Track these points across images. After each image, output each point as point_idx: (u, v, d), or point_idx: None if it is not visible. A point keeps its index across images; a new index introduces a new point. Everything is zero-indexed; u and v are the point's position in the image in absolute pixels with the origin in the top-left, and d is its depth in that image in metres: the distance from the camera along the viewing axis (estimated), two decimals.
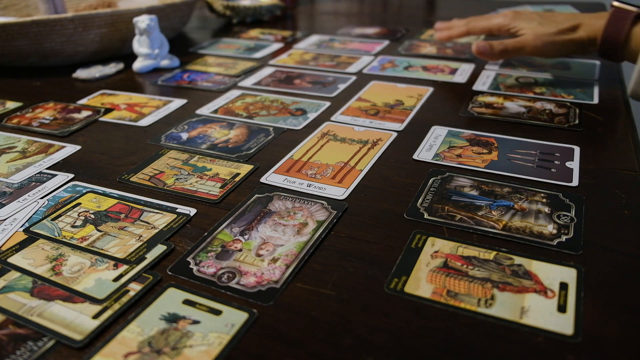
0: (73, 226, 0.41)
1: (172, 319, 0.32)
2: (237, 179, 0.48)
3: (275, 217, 0.42)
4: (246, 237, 0.39)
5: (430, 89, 0.68)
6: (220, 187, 0.46)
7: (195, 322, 0.32)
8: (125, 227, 0.41)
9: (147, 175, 0.49)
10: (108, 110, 0.65)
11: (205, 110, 0.63)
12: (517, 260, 0.36)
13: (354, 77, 0.73)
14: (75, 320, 0.32)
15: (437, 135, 0.55)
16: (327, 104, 0.64)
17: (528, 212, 0.41)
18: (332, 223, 0.41)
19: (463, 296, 0.33)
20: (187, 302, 0.33)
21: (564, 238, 0.38)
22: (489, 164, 0.49)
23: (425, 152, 0.51)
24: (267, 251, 0.38)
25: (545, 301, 0.33)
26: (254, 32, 0.99)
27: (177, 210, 0.43)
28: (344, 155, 0.51)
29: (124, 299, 0.33)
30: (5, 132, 0.60)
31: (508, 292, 0.33)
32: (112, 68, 0.79)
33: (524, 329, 0.31)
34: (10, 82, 0.77)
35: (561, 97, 0.64)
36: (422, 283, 0.34)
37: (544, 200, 0.43)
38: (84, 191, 0.46)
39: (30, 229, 0.41)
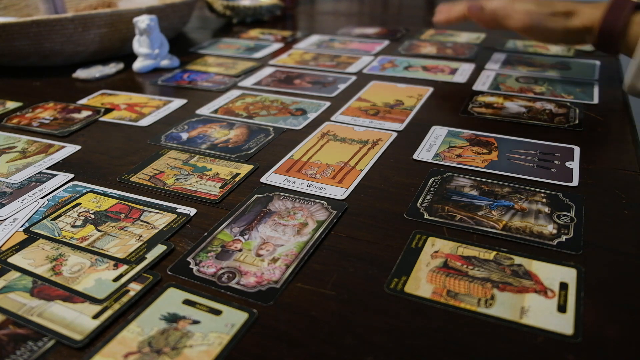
0: (73, 226, 0.41)
1: (172, 319, 0.32)
2: (237, 179, 0.48)
3: (275, 217, 0.42)
4: (246, 237, 0.39)
5: (430, 89, 0.68)
6: (220, 187, 0.46)
7: (196, 322, 0.32)
8: (125, 227, 0.41)
9: (147, 175, 0.49)
10: (108, 110, 0.65)
11: (205, 110, 0.63)
12: (517, 260, 0.36)
13: (354, 77, 0.73)
14: (75, 320, 0.32)
15: (437, 135, 0.55)
16: (327, 104, 0.64)
17: (528, 212, 0.41)
18: (332, 223, 0.41)
19: (463, 296, 0.33)
20: (187, 302, 0.33)
21: (564, 238, 0.38)
22: (489, 164, 0.49)
23: (425, 152, 0.51)
24: (267, 251, 0.38)
25: (545, 301, 0.33)
26: (254, 32, 0.99)
27: (177, 210, 0.43)
28: (344, 155, 0.51)
29: (124, 299, 0.33)
30: (5, 132, 0.60)
31: (508, 292, 0.33)
32: (112, 68, 0.79)
33: (524, 329, 0.31)
34: (10, 82, 0.77)
35: (561, 97, 0.64)
36: (422, 283, 0.34)
37: (544, 200, 0.43)
38: (84, 191, 0.46)
39: (30, 229, 0.41)
